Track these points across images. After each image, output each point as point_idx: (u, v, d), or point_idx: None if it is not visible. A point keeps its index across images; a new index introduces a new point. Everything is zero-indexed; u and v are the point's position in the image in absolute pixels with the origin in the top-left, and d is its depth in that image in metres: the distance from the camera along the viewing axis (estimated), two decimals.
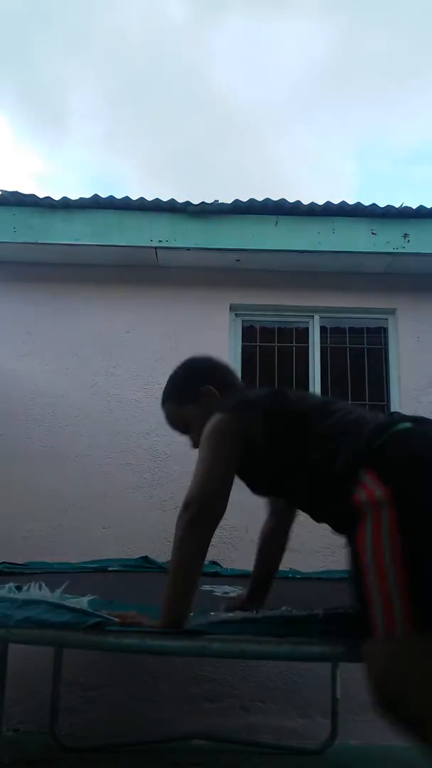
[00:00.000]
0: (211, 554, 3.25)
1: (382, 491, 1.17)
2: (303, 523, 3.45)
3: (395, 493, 1.16)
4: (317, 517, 1.47)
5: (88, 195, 3.70)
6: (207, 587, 2.29)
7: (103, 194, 3.72)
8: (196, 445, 1.55)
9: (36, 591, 1.61)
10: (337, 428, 1.34)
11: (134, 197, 3.72)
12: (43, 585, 1.64)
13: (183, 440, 3.87)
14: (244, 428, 1.42)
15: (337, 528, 1.36)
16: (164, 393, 1.70)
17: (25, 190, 3.79)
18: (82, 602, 1.49)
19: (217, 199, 3.71)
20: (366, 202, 3.71)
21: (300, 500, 1.51)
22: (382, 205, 3.70)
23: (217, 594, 2.14)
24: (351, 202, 3.71)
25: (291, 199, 3.71)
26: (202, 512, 1.37)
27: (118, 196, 3.71)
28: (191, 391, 1.61)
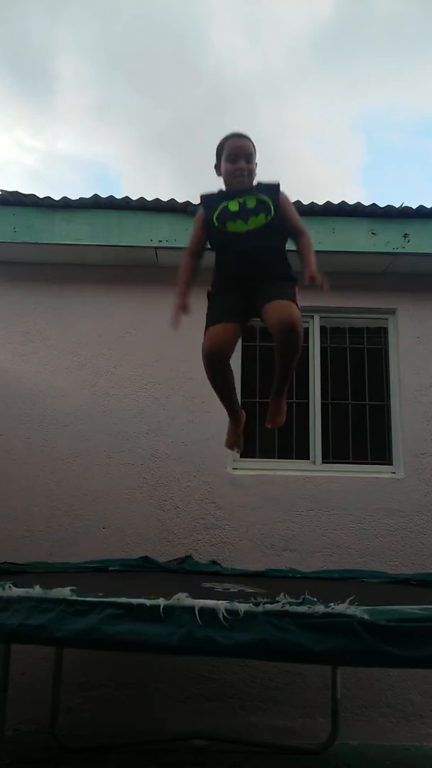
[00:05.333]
0: (211, 554, 3.28)
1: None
2: (303, 523, 3.47)
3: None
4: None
5: (85, 191, 3.73)
6: (208, 585, 2.36)
7: (101, 189, 3.75)
8: (245, 172, 2.42)
9: (19, 589, 1.64)
10: None
11: (133, 196, 3.74)
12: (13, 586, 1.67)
13: (182, 440, 3.84)
14: None
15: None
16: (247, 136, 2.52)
17: (23, 188, 3.79)
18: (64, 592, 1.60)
19: None
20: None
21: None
22: (382, 204, 3.70)
23: (218, 590, 2.20)
24: (354, 194, 3.74)
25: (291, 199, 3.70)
26: None
27: (116, 193, 3.72)
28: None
